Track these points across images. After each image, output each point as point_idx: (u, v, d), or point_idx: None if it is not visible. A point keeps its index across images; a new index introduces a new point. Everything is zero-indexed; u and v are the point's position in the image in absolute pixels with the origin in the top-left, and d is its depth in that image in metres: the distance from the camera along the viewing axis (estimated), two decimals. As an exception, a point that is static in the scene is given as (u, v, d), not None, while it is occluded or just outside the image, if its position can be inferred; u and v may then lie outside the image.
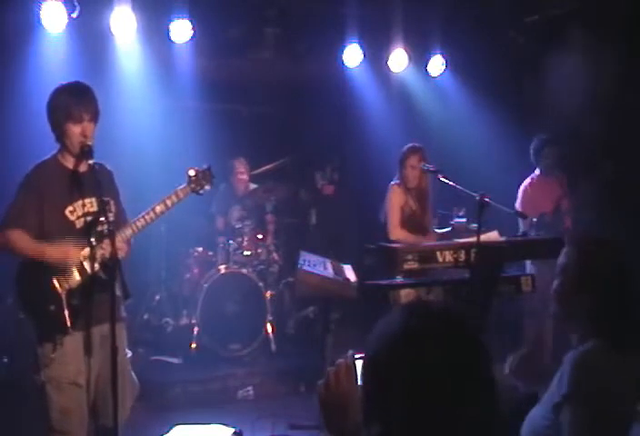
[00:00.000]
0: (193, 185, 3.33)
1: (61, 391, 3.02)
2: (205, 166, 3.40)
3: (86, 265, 3.06)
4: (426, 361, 1.21)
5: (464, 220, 4.81)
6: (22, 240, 3.02)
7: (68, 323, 3.01)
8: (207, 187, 3.38)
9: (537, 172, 5.60)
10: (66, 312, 3.01)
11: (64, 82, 3.15)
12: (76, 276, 3.05)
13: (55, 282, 3.02)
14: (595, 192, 5.51)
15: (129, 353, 3.30)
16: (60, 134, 3.09)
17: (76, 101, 3.05)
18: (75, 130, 3.04)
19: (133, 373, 3.30)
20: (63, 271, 3.03)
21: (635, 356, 1.95)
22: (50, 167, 3.13)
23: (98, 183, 3.03)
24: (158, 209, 3.24)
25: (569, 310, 2.04)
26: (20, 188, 3.08)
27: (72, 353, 3.04)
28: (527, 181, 5.61)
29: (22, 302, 3.09)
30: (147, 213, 3.22)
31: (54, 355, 3.00)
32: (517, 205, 5.55)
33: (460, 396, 1.20)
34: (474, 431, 1.21)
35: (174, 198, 3.27)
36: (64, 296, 3.02)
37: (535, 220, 5.14)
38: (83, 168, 3.13)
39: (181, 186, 3.32)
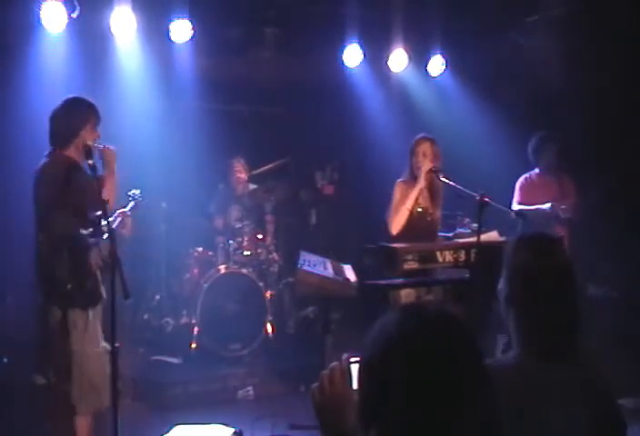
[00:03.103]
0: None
1: (92, 359, 3.44)
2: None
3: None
4: (423, 362, 1.20)
5: (468, 231, 4.68)
6: None
7: (104, 295, 3.50)
8: None
9: (537, 170, 5.56)
10: (101, 287, 3.51)
11: (71, 95, 3.63)
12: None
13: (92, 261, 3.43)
14: (597, 195, 5.48)
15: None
16: (70, 137, 3.51)
17: (97, 111, 3.64)
18: (91, 134, 3.56)
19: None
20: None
21: (559, 371, 1.72)
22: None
23: None
24: None
25: (503, 310, 1.83)
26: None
27: (98, 322, 3.52)
28: (525, 175, 5.55)
29: (67, 277, 3.38)
30: None
31: (86, 326, 3.42)
32: (515, 199, 5.48)
33: (457, 397, 1.20)
34: (472, 431, 1.21)
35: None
36: (98, 273, 3.48)
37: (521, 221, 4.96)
38: None
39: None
